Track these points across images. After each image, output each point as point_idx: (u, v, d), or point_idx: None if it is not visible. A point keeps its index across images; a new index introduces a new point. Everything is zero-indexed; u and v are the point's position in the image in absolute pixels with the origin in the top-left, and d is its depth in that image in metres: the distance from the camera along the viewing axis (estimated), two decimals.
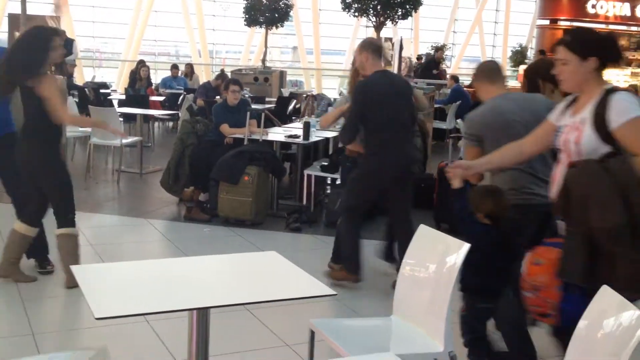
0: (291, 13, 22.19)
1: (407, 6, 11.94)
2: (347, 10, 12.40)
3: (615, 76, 17.52)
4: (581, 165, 2.74)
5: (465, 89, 11.85)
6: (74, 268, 2.73)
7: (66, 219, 4.65)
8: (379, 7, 11.82)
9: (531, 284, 2.91)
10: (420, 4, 12.30)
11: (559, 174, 2.91)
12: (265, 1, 14.66)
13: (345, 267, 4.85)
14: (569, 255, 2.72)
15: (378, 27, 12.58)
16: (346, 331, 3.11)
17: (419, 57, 16.57)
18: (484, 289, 3.27)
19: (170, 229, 6.39)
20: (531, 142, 3.16)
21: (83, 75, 18.56)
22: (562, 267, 2.74)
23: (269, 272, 2.95)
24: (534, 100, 3.74)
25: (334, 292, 2.65)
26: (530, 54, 22.25)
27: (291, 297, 2.71)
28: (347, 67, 19.04)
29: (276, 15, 14.52)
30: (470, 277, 3.18)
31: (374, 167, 4.72)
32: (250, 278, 2.90)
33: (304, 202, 6.85)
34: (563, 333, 2.64)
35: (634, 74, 17.24)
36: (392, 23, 12.64)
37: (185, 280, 2.79)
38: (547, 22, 18.68)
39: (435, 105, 11.26)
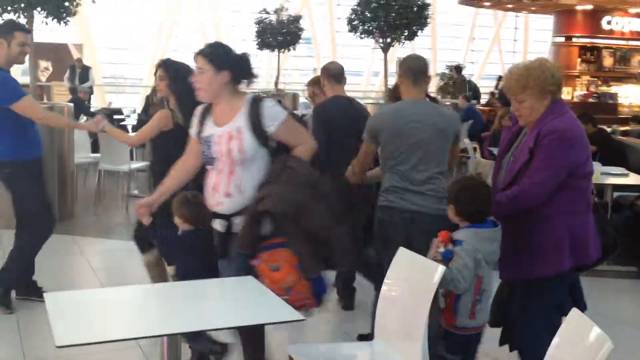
0: (309, 35, 22.44)
1: (414, 27, 11.94)
2: (353, 31, 12.46)
3: (632, 92, 17.34)
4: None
5: (478, 108, 11.80)
6: (46, 295, 2.74)
7: None
8: (385, 28, 11.84)
9: (283, 288, 3.01)
10: (426, 24, 12.28)
11: (220, 182, 3.15)
12: (276, 25, 14.81)
13: None
14: (305, 256, 3.02)
15: (385, 47, 12.58)
16: (326, 357, 3.08)
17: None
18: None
19: None
20: (192, 157, 3.36)
21: (105, 101, 18.83)
22: (304, 267, 3.03)
23: (244, 297, 2.94)
24: (441, 113, 3.74)
25: (303, 318, 2.63)
26: None
27: (260, 322, 2.70)
28: (366, 89, 19.19)
29: (287, 38, 14.63)
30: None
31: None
32: (223, 303, 2.89)
33: None
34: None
35: None
36: (399, 44, 12.64)
37: (158, 306, 2.80)
38: (562, 39, 18.54)
39: None
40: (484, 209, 3.06)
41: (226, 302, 2.91)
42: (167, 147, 4.12)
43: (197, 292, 2.96)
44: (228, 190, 3.15)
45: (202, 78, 3.14)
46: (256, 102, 3.14)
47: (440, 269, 2.84)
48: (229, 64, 3.13)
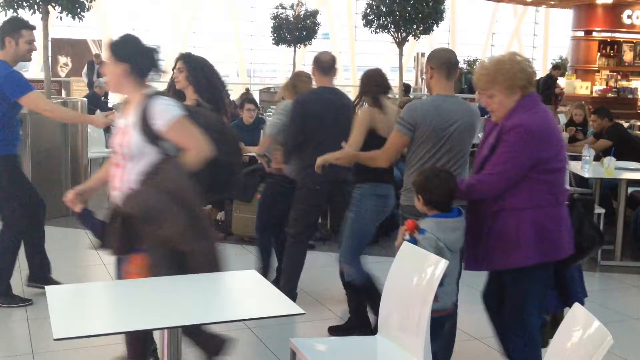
0: (327, 30, 22.38)
1: (429, 21, 11.83)
2: (368, 26, 12.38)
3: None
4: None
5: None
6: (47, 288, 2.76)
7: None
8: (400, 23, 11.74)
9: None
10: (442, 18, 12.16)
11: (115, 175, 3.10)
12: (292, 19, 14.80)
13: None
14: (155, 263, 2.98)
15: (400, 42, 12.49)
16: (328, 351, 3.07)
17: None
18: None
19: None
20: None
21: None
22: (153, 273, 2.99)
23: (245, 291, 2.94)
24: (471, 109, 3.65)
25: (302, 312, 2.62)
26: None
27: (260, 316, 2.69)
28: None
29: (304, 33, 14.60)
30: None
31: (310, 184, 4.63)
32: (224, 297, 2.89)
33: (319, 219, 6.81)
34: None
35: None
36: (414, 38, 12.54)
37: (159, 300, 2.80)
38: (581, 33, 18.33)
39: None
40: (449, 198, 3.13)
41: (228, 296, 2.91)
42: None
43: (198, 286, 2.96)
44: (119, 185, 3.10)
45: (105, 68, 3.15)
46: (150, 99, 3.02)
47: (443, 263, 2.83)
48: (127, 55, 3.07)
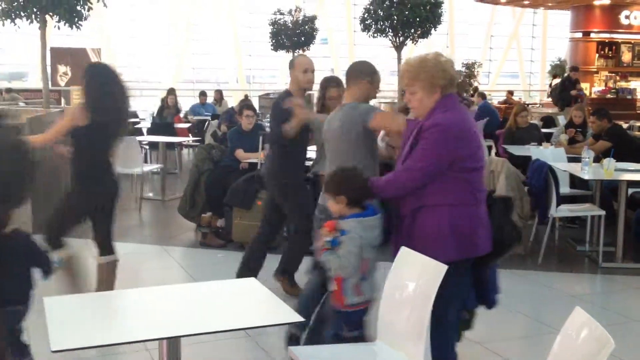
0: (326, 36, 22.40)
1: (427, 25, 11.84)
2: (366, 30, 12.39)
3: None
4: None
5: (494, 106, 11.70)
6: (45, 300, 2.75)
7: None
8: (398, 27, 11.75)
9: None
10: (440, 22, 12.17)
11: None
12: (290, 25, 14.82)
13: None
14: None
15: (399, 46, 12.50)
16: (328, 359, 3.05)
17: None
18: None
19: (185, 255, 6.42)
20: None
21: None
22: None
23: (244, 299, 2.93)
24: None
25: (303, 319, 2.62)
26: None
27: (260, 324, 2.68)
28: (383, 88, 19.19)
29: (302, 39, 14.63)
30: None
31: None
32: (224, 306, 2.88)
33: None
34: None
35: None
36: (413, 42, 12.55)
37: (159, 310, 2.79)
38: (579, 34, 18.36)
39: None
40: (366, 196, 3.21)
41: (227, 304, 2.89)
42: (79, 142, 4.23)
43: (198, 295, 2.95)
44: None
45: None
46: None
47: (439, 267, 2.83)
48: None
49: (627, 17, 17.96)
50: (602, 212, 6.22)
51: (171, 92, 12.70)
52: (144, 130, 11.46)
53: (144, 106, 19.00)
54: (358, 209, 3.20)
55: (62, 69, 17.82)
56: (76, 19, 7.70)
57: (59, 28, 7.79)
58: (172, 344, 2.66)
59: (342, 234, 3.13)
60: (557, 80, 15.81)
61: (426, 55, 3.21)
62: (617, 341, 2.09)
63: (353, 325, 3.23)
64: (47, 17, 7.66)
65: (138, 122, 12.31)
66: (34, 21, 7.60)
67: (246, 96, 12.16)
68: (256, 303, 2.87)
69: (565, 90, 13.95)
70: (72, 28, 7.79)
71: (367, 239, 3.15)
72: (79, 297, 3.08)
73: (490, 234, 3.23)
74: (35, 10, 7.52)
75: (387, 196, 3.26)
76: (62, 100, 15.55)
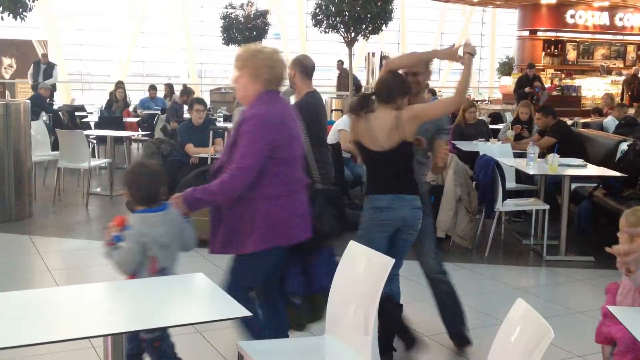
0: (278, 31, 22.30)
1: (378, 21, 11.90)
2: (318, 26, 12.39)
3: (595, 85, 17.59)
4: None
5: None
6: None
7: None
8: (349, 23, 11.79)
9: None
10: (390, 19, 12.25)
11: None
12: (242, 19, 14.71)
13: None
14: None
15: (350, 42, 12.55)
16: (276, 353, 3.05)
17: None
18: None
19: None
20: None
21: (71, 98, 18.58)
22: None
23: (192, 294, 2.91)
24: None
25: (250, 314, 2.61)
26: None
27: (206, 320, 2.66)
28: (335, 83, 19.21)
29: (254, 33, 14.55)
30: None
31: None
32: (171, 301, 2.85)
33: None
34: None
35: (614, 82, 17.26)
36: (364, 38, 12.61)
37: (104, 306, 2.75)
38: (527, 33, 18.73)
39: None
40: (155, 193, 3.15)
41: (175, 300, 2.86)
42: None
43: (144, 291, 2.91)
44: None
45: None
46: None
47: (386, 261, 2.85)
48: None
49: (572, 16, 18.41)
50: (547, 207, 6.37)
51: (120, 85, 12.50)
52: (92, 124, 11.25)
53: (91, 100, 18.66)
54: (144, 206, 3.11)
55: (6, 61, 17.34)
56: (20, 9, 7.51)
57: (2, 19, 7.58)
58: (117, 340, 2.62)
59: (127, 230, 3.06)
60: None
61: (264, 47, 3.39)
62: (560, 332, 2.14)
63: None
64: None
65: (86, 116, 12.06)
66: None
67: (185, 86, 11.89)
68: (204, 298, 2.85)
69: (521, 87, 14.22)
70: (16, 19, 7.59)
71: (151, 236, 3.05)
72: (21, 294, 3.00)
73: (308, 222, 3.37)
74: None
75: (223, 201, 3.24)
76: (7, 93, 15.13)
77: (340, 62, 15.84)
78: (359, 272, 3.02)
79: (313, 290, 3.60)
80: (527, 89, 14.06)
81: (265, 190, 3.21)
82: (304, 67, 4.75)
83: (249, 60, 3.27)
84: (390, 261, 2.86)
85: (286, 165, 3.27)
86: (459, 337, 4.13)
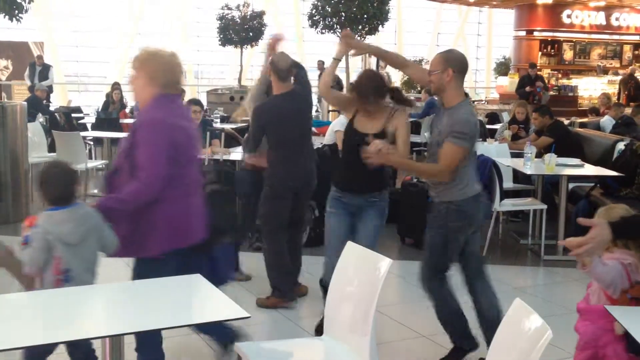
0: (274, 31, 22.28)
1: (374, 22, 11.91)
2: (314, 27, 12.39)
3: (592, 84, 17.60)
4: None
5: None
6: None
7: None
8: (346, 23, 11.79)
9: None
10: (387, 19, 12.26)
11: None
12: (238, 20, 14.71)
13: (274, 293, 4.83)
14: None
15: None
16: (274, 354, 3.05)
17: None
18: None
19: None
20: None
21: (68, 99, 18.56)
22: None
23: (190, 295, 2.90)
24: None
25: (248, 315, 2.60)
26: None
27: (204, 321, 2.66)
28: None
29: (251, 34, 14.54)
30: None
31: (275, 182, 4.78)
32: (169, 303, 2.84)
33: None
34: None
35: (610, 82, 17.27)
36: (361, 39, 12.60)
37: (102, 308, 2.74)
38: (523, 33, 18.76)
39: (410, 119, 11.20)
40: (68, 193, 3.09)
41: (172, 301, 2.86)
42: None
43: (141, 292, 2.91)
44: None
45: None
46: None
47: (387, 262, 2.85)
48: None
49: (568, 16, 18.44)
50: (544, 206, 6.37)
51: (116, 86, 12.47)
52: (89, 126, 11.23)
53: (88, 101, 18.63)
54: (59, 205, 3.06)
55: (2, 62, 17.33)
56: (16, 11, 7.49)
57: None
58: (115, 342, 2.62)
59: (34, 229, 3.04)
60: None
61: (165, 51, 3.34)
62: (558, 332, 2.14)
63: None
64: None
65: (82, 118, 12.03)
66: None
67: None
68: (201, 299, 2.84)
69: (523, 87, 14.23)
70: (12, 21, 7.57)
71: (56, 234, 3.00)
72: (19, 296, 3.00)
73: (205, 222, 3.38)
74: None
75: (130, 210, 3.19)
76: (3, 95, 15.11)
77: (321, 63, 15.87)
78: (356, 273, 3.01)
79: (217, 285, 3.58)
80: (527, 88, 14.06)
81: (164, 193, 3.17)
82: (277, 69, 4.78)
83: (145, 62, 3.25)
84: (388, 262, 2.86)
85: (184, 167, 3.25)
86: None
